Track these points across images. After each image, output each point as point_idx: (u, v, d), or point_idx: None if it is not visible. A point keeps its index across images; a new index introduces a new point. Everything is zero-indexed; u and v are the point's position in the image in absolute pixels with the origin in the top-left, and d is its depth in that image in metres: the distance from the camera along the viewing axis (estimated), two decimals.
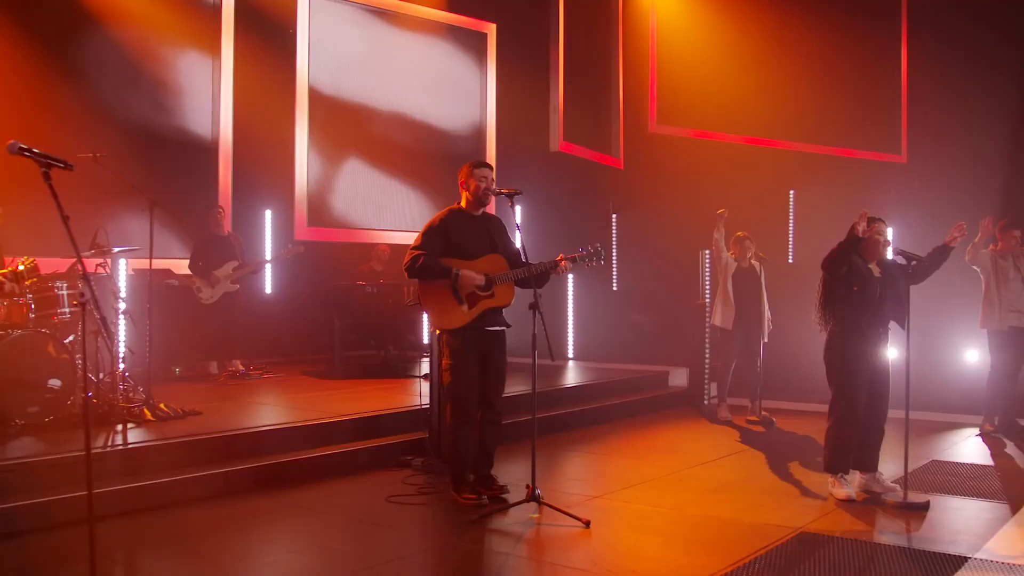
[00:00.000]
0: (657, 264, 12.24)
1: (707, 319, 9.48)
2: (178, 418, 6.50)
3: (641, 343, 11.64)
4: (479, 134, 13.31)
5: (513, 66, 13.07)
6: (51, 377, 6.21)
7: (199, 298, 9.26)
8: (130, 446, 5.61)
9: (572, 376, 10.06)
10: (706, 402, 9.40)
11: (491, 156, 13.32)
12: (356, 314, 10.03)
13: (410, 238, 5.89)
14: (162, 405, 6.57)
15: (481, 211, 5.60)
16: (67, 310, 6.47)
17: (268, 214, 11.11)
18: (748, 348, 8.68)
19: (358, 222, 11.79)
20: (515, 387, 8.77)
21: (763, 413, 8.60)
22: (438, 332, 5.52)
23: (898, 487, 5.56)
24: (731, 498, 5.63)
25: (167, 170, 10.01)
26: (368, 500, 5.49)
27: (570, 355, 11.85)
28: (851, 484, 5.62)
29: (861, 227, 5.36)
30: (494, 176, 5.55)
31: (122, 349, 7.43)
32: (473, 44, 13.45)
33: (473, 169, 5.50)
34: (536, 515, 5.12)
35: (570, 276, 11.98)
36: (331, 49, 11.59)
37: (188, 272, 9.37)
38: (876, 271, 5.66)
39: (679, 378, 10.16)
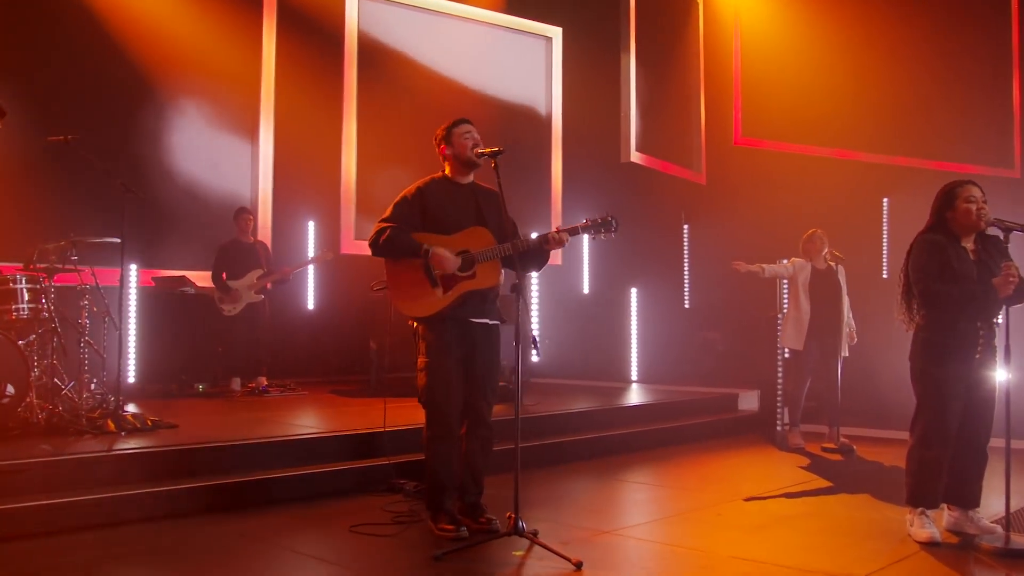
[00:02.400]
0: (733, 278, 11.07)
1: (778, 337, 8.28)
2: (146, 431, 5.71)
3: (712, 364, 10.46)
4: (543, 142, 12.47)
5: (581, 72, 12.24)
6: (7, 383, 5.51)
7: (220, 309, 8.54)
8: (62, 458, 4.81)
9: (629, 397, 8.95)
10: (779, 428, 8.15)
11: (556, 165, 12.48)
12: (395, 327, 9.16)
13: None
14: (130, 416, 5.79)
15: (470, 178, 4.63)
16: (25, 306, 5.78)
17: (311, 225, 10.40)
18: (825, 366, 7.45)
19: None
20: (573, 405, 7.90)
21: (842, 440, 7.32)
22: (414, 324, 4.55)
23: (998, 528, 4.31)
24: (778, 537, 4.47)
25: (199, 172, 9.51)
26: (329, 529, 4.54)
27: (634, 377, 10.69)
28: (936, 522, 4.40)
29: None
30: (477, 132, 4.58)
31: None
32: (538, 49, 12.67)
33: (453, 128, 4.54)
34: (521, 552, 4.08)
35: (633, 291, 10.86)
36: (382, 53, 10.91)
37: (211, 284, 8.67)
38: (971, 249, 4.45)
39: (750, 401, 8.93)
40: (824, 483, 5.90)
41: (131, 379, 8.11)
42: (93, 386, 6.45)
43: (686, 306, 12.10)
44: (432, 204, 4.48)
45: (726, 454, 7.21)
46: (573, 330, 11.09)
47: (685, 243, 12.21)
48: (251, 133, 10.09)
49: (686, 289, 12.15)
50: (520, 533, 4.04)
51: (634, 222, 11.92)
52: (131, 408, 6.68)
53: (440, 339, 4.41)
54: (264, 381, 8.64)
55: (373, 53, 10.85)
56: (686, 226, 12.24)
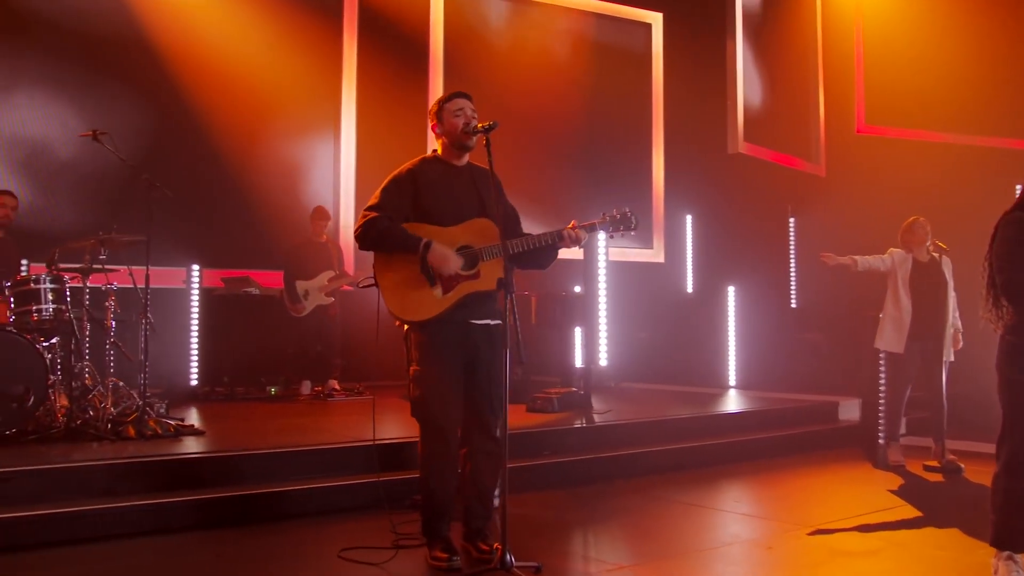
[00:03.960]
0: (844, 275, 10.13)
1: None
2: (168, 437, 5.45)
3: (814, 368, 9.56)
4: (644, 133, 11.84)
5: (683, 60, 11.65)
6: (28, 386, 5.35)
7: (289, 310, 8.30)
8: (51, 466, 4.55)
9: (718, 405, 8.21)
10: (881, 440, 7.25)
11: (658, 157, 11.82)
12: None
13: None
14: (152, 422, 5.53)
15: (464, 160, 4.10)
16: (50, 307, 5.61)
17: None
18: (929, 371, 6.55)
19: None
20: (655, 414, 7.29)
21: (949, 457, 6.40)
22: (405, 327, 4.05)
23: None
24: None
25: (280, 176, 9.38)
26: (319, 553, 4.12)
27: (731, 382, 9.88)
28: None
29: None
30: (474, 108, 4.02)
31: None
32: (637, 36, 12.04)
33: (445, 104, 3.98)
34: None
35: (731, 290, 10.05)
36: (470, 49, 10.50)
37: (280, 285, 8.47)
38: None
39: (851, 410, 8.04)
40: (912, 512, 5.06)
41: (194, 382, 7.99)
42: (141, 388, 6.26)
43: (792, 305, 11.19)
44: (426, 189, 3.95)
45: (813, 471, 6.41)
46: (671, 331, 10.42)
47: (791, 238, 11.31)
48: (333, 137, 9.89)
49: (792, 287, 11.24)
50: (507, 568, 3.50)
51: (737, 216, 11.17)
52: (192, 412, 6.55)
53: (437, 344, 3.90)
54: (335, 384, 8.36)
55: (460, 51, 10.44)
56: (792, 220, 11.33)
